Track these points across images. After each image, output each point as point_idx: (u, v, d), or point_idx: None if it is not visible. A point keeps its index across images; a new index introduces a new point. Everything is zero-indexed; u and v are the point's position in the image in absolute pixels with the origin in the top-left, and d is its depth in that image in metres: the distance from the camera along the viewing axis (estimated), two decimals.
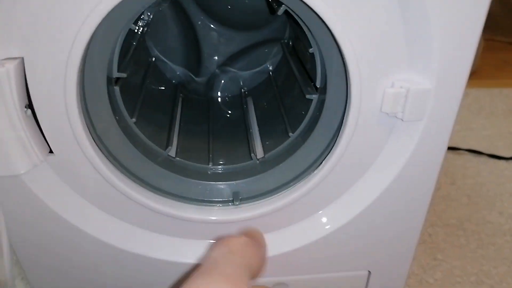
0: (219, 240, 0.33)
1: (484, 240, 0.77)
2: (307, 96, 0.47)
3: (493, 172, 0.93)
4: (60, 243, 0.45)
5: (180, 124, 0.55)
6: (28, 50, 0.35)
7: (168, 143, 0.49)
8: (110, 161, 0.42)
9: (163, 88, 0.62)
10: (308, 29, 0.41)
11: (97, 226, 0.45)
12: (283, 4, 0.40)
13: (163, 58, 0.63)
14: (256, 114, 0.60)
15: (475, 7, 0.35)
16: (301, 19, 0.40)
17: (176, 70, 0.64)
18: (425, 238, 0.76)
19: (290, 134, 0.50)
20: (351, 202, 0.46)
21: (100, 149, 0.41)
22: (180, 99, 0.61)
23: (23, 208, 0.42)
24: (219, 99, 0.66)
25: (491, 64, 1.44)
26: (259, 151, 0.51)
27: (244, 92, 0.65)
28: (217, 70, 0.65)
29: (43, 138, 0.40)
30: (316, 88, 0.46)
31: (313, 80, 0.48)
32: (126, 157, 0.44)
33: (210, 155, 0.51)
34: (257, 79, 0.66)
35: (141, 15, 0.53)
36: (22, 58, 0.35)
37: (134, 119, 0.46)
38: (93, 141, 0.40)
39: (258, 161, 0.50)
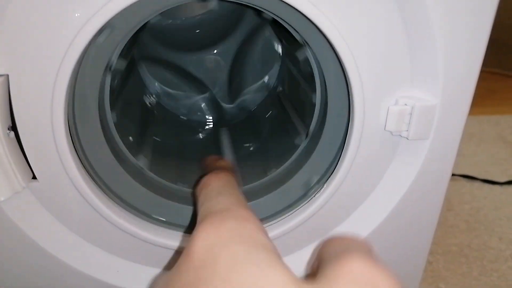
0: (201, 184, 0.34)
1: (486, 266, 0.74)
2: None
3: (489, 197, 0.92)
4: (41, 276, 0.41)
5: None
6: (14, 67, 0.33)
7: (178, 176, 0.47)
8: (99, 189, 0.39)
9: (167, 124, 0.60)
10: (307, 43, 0.39)
11: (81, 258, 0.41)
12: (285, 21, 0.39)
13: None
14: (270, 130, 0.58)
15: (480, 23, 0.35)
16: (300, 35, 0.39)
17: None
18: (425, 267, 0.74)
19: (301, 140, 0.47)
20: (354, 226, 0.44)
21: (89, 177, 0.39)
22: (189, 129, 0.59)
23: (1, 238, 0.39)
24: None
25: (478, 93, 1.46)
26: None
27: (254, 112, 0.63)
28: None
29: (26, 163, 0.37)
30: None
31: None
32: (125, 190, 0.41)
33: None
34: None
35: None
36: (7, 76, 0.33)
37: (144, 160, 0.44)
38: (81, 168, 0.38)
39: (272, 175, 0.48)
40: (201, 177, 0.40)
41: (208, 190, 0.34)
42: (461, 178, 0.98)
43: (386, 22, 0.35)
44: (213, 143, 0.59)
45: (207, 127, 0.63)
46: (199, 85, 0.63)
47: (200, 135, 0.61)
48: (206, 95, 0.64)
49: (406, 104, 0.38)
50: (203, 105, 0.64)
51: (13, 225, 0.38)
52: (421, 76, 0.37)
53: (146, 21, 0.36)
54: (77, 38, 0.32)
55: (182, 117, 0.62)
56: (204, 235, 0.24)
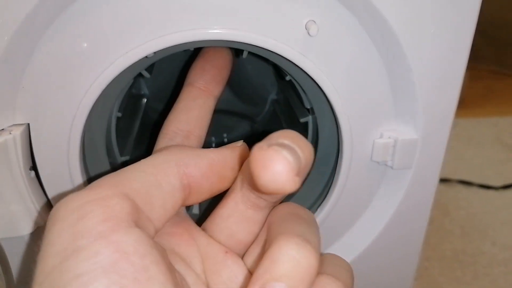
0: None
1: (479, 271, 0.78)
2: (301, 120, 0.48)
3: (484, 202, 0.95)
4: None
5: None
6: (34, 117, 0.37)
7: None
8: None
9: None
10: (303, 90, 0.43)
11: None
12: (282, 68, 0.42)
13: None
14: None
15: (454, 63, 0.38)
16: (297, 82, 0.42)
17: None
18: (421, 272, 0.77)
19: None
20: (344, 250, 0.48)
21: None
22: None
23: (27, 267, 0.43)
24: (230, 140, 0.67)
25: (477, 94, 1.49)
26: None
27: (255, 127, 0.66)
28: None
29: (46, 198, 0.41)
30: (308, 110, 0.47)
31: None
32: None
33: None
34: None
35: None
36: (28, 124, 0.37)
37: None
38: None
39: None
40: None
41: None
42: (458, 184, 1.01)
43: (370, 66, 0.38)
44: None
45: (212, 145, 0.67)
46: None
47: None
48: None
49: (390, 138, 0.41)
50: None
51: (36, 255, 0.42)
52: (403, 113, 0.40)
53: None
54: (88, 93, 0.36)
55: None
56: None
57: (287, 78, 0.44)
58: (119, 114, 0.41)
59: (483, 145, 1.17)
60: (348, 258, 0.47)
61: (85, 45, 0.34)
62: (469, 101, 1.43)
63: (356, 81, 0.38)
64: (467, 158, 1.11)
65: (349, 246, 0.47)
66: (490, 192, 0.97)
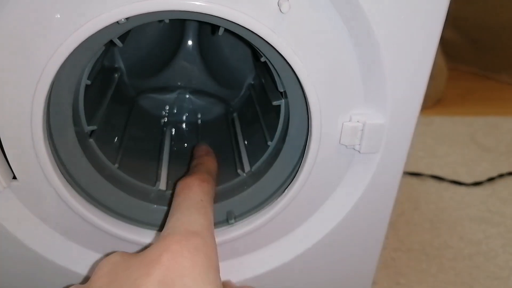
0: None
1: (445, 264, 0.79)
2: (274, 103, 0.48)
3: (454, 198, 0.97)
4: (23, 271, 0.45)
5: (169, 154, 0.56)
6: None
7: (156, 178, 0.49)
8: (74, 189, 0.43)
9: (146, 122, 0.62)
10: (270, 62, 0.43)
11: (59, 253, 0.45)
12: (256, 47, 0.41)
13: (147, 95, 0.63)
14: (241, 129, 0.61)
15: (424, 53, 0.39)
16: (271, 63, 0.42)
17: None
18: (388, 263, 0.78)
19: (269, 142, 0.50)
20: (312, 229, 0.48)
21: (65, 178, 0.42)
22: (166, 129, 0.61)
23: None
24: (203, 122, 0.67)
25: (455, 93, 1.51)
26: (245, 166, 0.52)
27: (230, 110, 0.66)
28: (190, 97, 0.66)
29: (6, 164, 0.40)
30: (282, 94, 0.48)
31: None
32: (102, 193, 0.45)
33: None
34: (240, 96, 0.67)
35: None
36: None
37: (116, 165, 0.47)
38: (57, 169, 0.41)
39: (245, 176, 0.51)
40: (188, 167, 0.43)
41: (189, 198, 0.37)
42: (430, 179, 1.02)
43: (341, 51, 0.38)
44: (189, 140, 0.62)
45: (185, 124, 0.66)
46: (175, 82, 0.65)
47: (174, 132, 0.63)
48: (183, 92, 0.66)
49: (358, 121, 0.42)
50: (179, 103, 0.66)
51: None
52: (372, 98, 0.41)
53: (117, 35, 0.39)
54: (55, 55, 0.35)
55: (159, 117, 0.65)
56: (169, 255, 0.27)
57: (262, 59, 0.44)
58: (88, 82, 0.41)
59: (457, 144, 1.18)
60: (313, 240, 0.48)
61: (55, 8, 0.34)
62: (447, 100, 1.45)
63: (326, 61, 0.38)
64: (441, 155, 1.12)
65: (315, 228, 0.48)
66: (461, 189, 0.99)
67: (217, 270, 0.30)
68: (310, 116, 0.41)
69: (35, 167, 0.40)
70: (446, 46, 1.48)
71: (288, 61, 0.38)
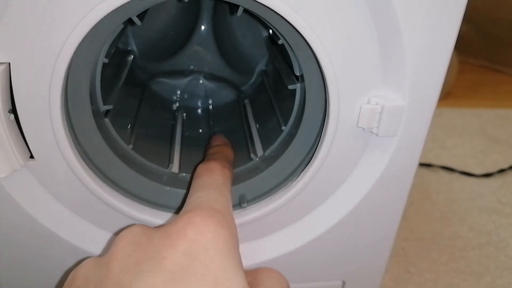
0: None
1: (455, 254, 0.79)
2: (290, 87, 0.48)
3: (465, 188, 0.97)
4: (37, 249, 0.45)
5: (181, 138, 0.56)
6: (15, 56, 0.36)
7: (169, 161, 0.49)
8: (91, 169, 0.43)
9: (159, 106, 0.62)
10: (287, 42, 0.42)
11: (73, 232, 0.45)
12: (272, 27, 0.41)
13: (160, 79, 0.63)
14: (253, 115, 0.61)
15: (446, 32, 0.38)
16: (289, 45, 0.42)
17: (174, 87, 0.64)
18: (398, 252, 0.78)
19: (283, 127, 0.50)
20: (327, 214, 0.48)
21: (81, 157, 0.42)
22: (178, 113, 0.61)
23: (1, 213, 0.42)
24: (215, 108, 0.66)
25: (465, 86, 1.50)
26: (258, 151, 0.52)
27: (242, 96, 0.66)
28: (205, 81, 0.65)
29: (24, 143, 0.40)
30: (297, 78, 0.47)
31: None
32: (117, 173, 0.45)
33: None
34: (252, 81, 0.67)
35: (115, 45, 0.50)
36: (9, 64, 0.36)
37: (131, 145, 0.47)
38: (74, 147, 0.41)
39: (258, 160, 0.51)
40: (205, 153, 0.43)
41: (211, 179, 0.37)
42: (441, 170, 1.02)
43: (362, 31, 0.38)
44: (200, 126, 0.62)
45: (197, 110, 0.66)
46: (188, 67, 0.65)
47: (186, 117, 0.63)
48: (196, 76, 0.66)
49: (377, 104, 0.41)
50: (191, 88, 0.66)
51: (11, 201, 0.41)
52: (392, 79, 0.40)
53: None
54: (74, 32, 0.34)
55: (171, 101, 0.65)
56: (193, 227, 0.27)
57: (280, 41, 0.44)
58: (106, 60, 0.41)
59: (467, 135, 1.18)
60: (329, 224, 0.48)
61: None
62: (457, 93, 1.44)
63: (346, 42, 0.38)
64: (450, 147, 1.12)
65: (330, 213, 0.48)
66: (471, 180, 0.98)
67: (237, 247, 0.30)
68: (328, 98, 0.41)
69: (53, 146, 0.40)
70: (456, 39, 1.47)
71: (308, 40, 0.37)
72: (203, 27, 0.64)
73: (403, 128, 0.42)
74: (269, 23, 0.40)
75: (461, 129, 1.21)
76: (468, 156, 1.09)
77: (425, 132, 0.43)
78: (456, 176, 1.00)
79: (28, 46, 0.35)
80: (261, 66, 0.67)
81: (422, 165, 1.02)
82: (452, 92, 1.43)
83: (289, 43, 0.42)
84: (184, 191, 0.49)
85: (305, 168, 0.46)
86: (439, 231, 0.84)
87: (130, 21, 0.40)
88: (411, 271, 0.75)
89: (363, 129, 0.42)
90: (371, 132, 0.43)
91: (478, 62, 1.67)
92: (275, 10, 0.36)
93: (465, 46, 1.63)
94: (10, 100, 0.38)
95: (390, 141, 0.43)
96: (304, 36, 0.37)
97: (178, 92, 0.65)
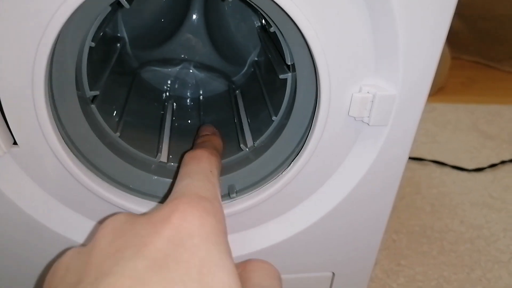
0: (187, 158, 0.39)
1: (446, 247, 0.79)
2: (281, 76, 0.47)
3: (456, 182, 0.97)
4: (20, 236, 0.44)
5: (170, 128, 0.55)
6: None
7: (157, 150, 0.49)
8: (76, 156, 0.42)
9: (148, 95, 0.61)
10: (278, 29, 0.42)
11: (57, 220, 0.44)
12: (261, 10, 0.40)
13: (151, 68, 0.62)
14: (244, 106, 0.60)
15: (439, 22, 0.37)
16: (281, 33, 0.41)
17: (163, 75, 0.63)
18: (389, 244, 0.78)
19: (274, 118, 0.49)
20: (317, 204, 0.47)
21: (66, 143, 0.41)
22: (168, 103, 0.60)
23: None
24: (206, 98, 0.65)
25: (458, 81, 1.50)
26: (248, 141, 0.52)
27: (233, 86, 0.65)
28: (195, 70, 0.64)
29: (7, 129, 0.39)
30: (289, 67, 0.47)
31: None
32: (103, 161, 0.44)
33: None
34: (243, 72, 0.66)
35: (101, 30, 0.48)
36: None
37: (118, 133, 0.46)
38: (59, 134, 0.40)
39: (248, 151, 0.50)
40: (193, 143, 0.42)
41: (198, 166, 0.36)
42: (432, 164, 1.02)
43: (355, 19, 0.37)
44: (190, 116, 0.62)
45: (187, 100, 0.65)
46: (178, 55, 0.64)
47: (176, 107, 0.63)
48: (187, 65, 0.65)
49: (368, 92, 0.40)
50: (181, 77, 0.65)
51: None
52: (384, 68, 0.39)
53: None
54: (58, 12, 0.33)
55: (161, 90, 0.64)
56: (178, 214, 0.27)
57: (272, 29, 0.43)
58: (92, 44, 0.39)
59: (459, 130, 1.18)
60: (319, 215, 0.47)
61: None
62: (449, 89, 1.44)
63: (339, 29, 0.37)
64: (443, 142, 1.12)
65: (320, 203, 0.47)
66: (463, 174, 0.99)
67: (225, 234, 0.29)
68: (319, 86, 0.40)
69: (36, 132, 0.38)
70: (449, 35, 1.47)
71: (299, 26, 0.37)
72: (194, 15, 0.63)
73: (394, 118, 0.42)
74: (262, 9, 0.39)
75: (454, 124, 1.21)
76: (460, 151, 1.09)
77: (416, 122, 0.42)
78: (447, 170, 1.00)
79: (10, 26, 0.34)
80: (253, 56, 0.66)
81: (414, 159, 1.02)
82: (445, 87, 1.44)
83: (281, 31, 0.41)
84: (171, 181, 0.48)
85: (295, 158, 0.45)
86: (430, 224, 0.84)
87: (119, 5, 0.39)
88: (402, 263, 0.75)
89: (354, 118, 0.42)
90: (362, 121, 0.42)
91: (471, 58, 1.68)
92: None
93: (458, 42, 1.64)
94: None
95: (381, 131, 0.43)
96: (297, 23, 0.36)
97: (168, 82, 0.64)
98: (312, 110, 0.44)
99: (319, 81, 0.40)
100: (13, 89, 0.36)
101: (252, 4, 0.39)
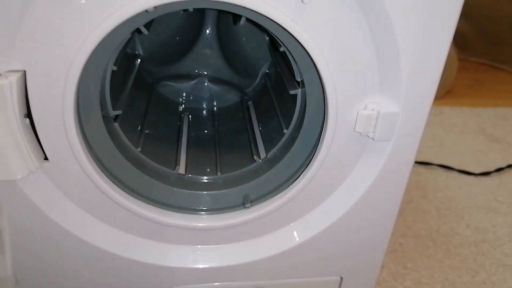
0: None
1: (451, 250, 0.81)
2: (291, 92, 0.49)
3: (462, 186, 0.99)
4: (51, 246, 0.47)
5: (187, 139, 0.58)
6: (30, 64, 0.38)
7: (176, 163, 0.52)
8: (104, 173, 0.45)
9: (165, 108, 0.64)
10: (288, 50, 0.44)
11: (87, 231, 0.47)
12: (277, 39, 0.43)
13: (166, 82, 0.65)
14: (256, 116, 0.63)
15: (439, 45, 0.40)
16: (290, 53, 0.44)
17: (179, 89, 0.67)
18: (396, 248, 0.81)
19: (285, 130, 0.52)
20: (325, 213, 0.50)
21: (92, 159, 0.44)
22: (184, 115, 0.64)
23: (17, 212, 0.44)
24: (220, 110, 0.69)
25: (465, 84, 1.51)
26: (261, 153, 0.55)
27: (245, 98, 0.68)
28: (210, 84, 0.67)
29: (39, 146, 0.42)
30: (299, 83, 0.49)
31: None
32: (126, 174, 0.47)
33: (218, 166, 0.55)
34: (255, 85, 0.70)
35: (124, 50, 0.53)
36: (24, 71, 0.38)
37: (139, 148, 0.49)
38: (86, 150, 0.43)
39: (261, 162, 0.53)
40: None
41: None
42: (439, 168, 1.04)
43: (360, 42, 0.40)
44: (206, 126, 0.65)
45: (202, 111, 0.69)
46: (193, 70, 0.67)
47: (192, 118, 0.66)
48: (201, 79, 0.68)
49: (373, 109, 0.43)
50: (196, 90, 0.69)
51: (28, 200, 0.43)
52: (387, 87, 0.42)
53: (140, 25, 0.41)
54: (86, 42, 0.37)
55: (177, 103, 0.67)
56: None
57: (281, 49, 0.46)
58: (114, 68, 0.43)
59: (466, 134, 1.20)
60: (328, 223, 0.50)
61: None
62: (457, 91, 1.46)
63: (344, 50, 0.40)
64: (449, 145, 1.14)
65: (328, 212, 0.50)
66: (469, 178, 1.00)
67: None
68: (327, 104, 0.43)
69: (66, 149, 0.42)
70: (457, 37, 1.48)
71: (307, 50, 0.39)
72: (207, 32, 0.66)
73: (397, 133, 0.44)
74: (271, 32, 0.42)
75: (461, 128, 1.23)
76: (467, 155, 1.11)
77: (418, 137, 0.45)
78: (454, 174, 1.02)
79: (43, 55, 0.37)
80: (264, 68, 0.69)
81: (420, 163, 1.04)
82: (452, 90, 1.45)
83: (290, 51, 0.44)
84: (190, 191, 0.51)
85: (305, 169, 0.48)
86: (436, 228, 0.86)
87: (137, 30, 0.42)
88: (408, 266, 0.77)
89: (360, 133, 0.45)
90: (368, 136, 0.45)
91: (479, 59, 1.69)
92: (276, 21, 0.38)
93: (465, 44, 1.65)
94: (25, 105, 0.40)
95: (385, 145, 0.45)
96: (304, 46, 0.39)
97: (184, 95, 0.67)
98: (321, 123, 0.47)
99: (326, 101, 0.43)
100: (45, 112, 0.40)
101: (262, 27, 0.42)
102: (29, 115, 0.41)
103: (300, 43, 0.39)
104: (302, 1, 0.36)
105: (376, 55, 0.41)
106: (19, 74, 0.38)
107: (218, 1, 0.37)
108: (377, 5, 0.38)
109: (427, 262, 0.78)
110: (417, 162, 1.04)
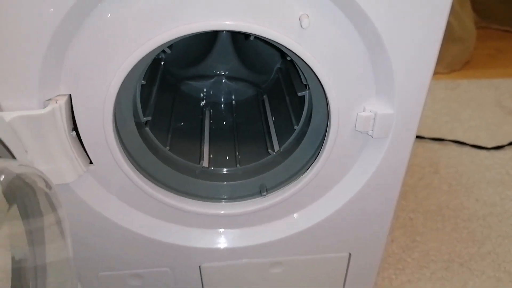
0: None
1: (459, 224, 0.87)
2: (299, 94, 0.55)
3: (474, 161, 1.02)
4: (96, 233, 0.56)
5: (209, 132, 0.65)
6: (75, 89, 0.45)
7: (200, 157, 0.59)
8: (139, 170, 0.53)
9: (188, 105, 0.71)
10: (301, 70, 0.50)
11: (126, 219, 0.56)
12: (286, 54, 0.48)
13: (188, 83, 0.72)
14: (271, 109, 0.69)
15: (425, 56, 0.45)
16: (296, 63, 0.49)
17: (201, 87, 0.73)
18: (406, 222, 0.87)
19: (295, 126, 0.58)
20: (333, 199, 0.57)
21: (129, 160, 0.52)
22: (205, 109, 0.71)
23: (69, 207, 0.53)
24: (237, 103, 0.75)
25: (485, 54, 1.51)
26: (275, 146, 0.61)
27: (261, 92, 0.75)
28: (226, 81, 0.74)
29: (85, 153, 0.50)
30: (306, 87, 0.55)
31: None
32: (157, 171, 0.55)
33: (237, 158, 0.62)
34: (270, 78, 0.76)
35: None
36: (70, 95, 0.46)
37: (168, 147, 0.56)
38: (124, 153, 0.51)
39: (275, 154, 0.60)
40: None
41: None
42: (452, 143, 1.08)
43: (356, 57, 0.45)
44: (225, 118, 0.72)
45: (221, 105, 0.75)
46: (212, 70, 0.73)
47: (212, 111, 0.73)
48: (220, 78, 0.74)
49: (371, 111, 0.49)
50: (215, 87, 0.75)
51: (79, 199, 0.52)
52: (383, 92, 0.47)
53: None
54: (123, 66, 0.44)
55: (198, 100, 0.74)
56: None
57: (288, 58, 0.51)
58: (143, 82, 0.50)
59: (482, 107, 1.21)
60: (337, 206, 0.57)
61: (119, 31, 0.42)
62: (476, 61, 1.45)
63: (342, 64, 0.45)
64: (464, 119, 1.16)
65: (335, 198, 0.57)
66: (482, 152, 1.04)
67: None
68: (329, 109, 0.49)
69: (107, 154, 0.50)
70: (476, 3, 1.46)
71: (311, 66, 0.45)
72: (223, 36, 0.72)
73: (393, 131, 0.50)
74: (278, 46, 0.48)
75: (477, 101, 1.25)
76: (481, 129, 1.13)
77: (413, 134, 0.50)
78: (467, 149, 1.06)
79: (84, 82, 0.44)
80: (278, 64, 0.75)
81: (434, 139, 1.08)
82: (471, 61, 1.45)
83: (295, 61, 0.49)
84: (213, 183, 0.58)
85: (314, 161, 0.54)
86: (446, 203, 0.92)
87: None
88: (417, 239, 0.84)
89: (360, 132, 0.50)
90: (367, 134, 0.51)
91: (500, 27, 1.66)
92: (280, 43, 0.44)
93: (486, 11, 1.62)
94: (72, 121, 0.48)
95: (383, 141, 0.51)
96: (307, 63, 0.45)
97: (205, 90, 0.74)
98: (327, 121, 0.53)
99: (329, 106, 0.48)
100: (88, 126, 0.47)
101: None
102: (75, 128, 0.48)
103: (304, 61, 0.45)
104: (301, 27, 0.42)
105: (371, 65, 0.46)
106: (65, 98, 0.45)
107: (233, 30, 0.43)
108: (368, 23, 0.43)
109: (435, 235, 0.84)
110: (430, 139, 1.08)
